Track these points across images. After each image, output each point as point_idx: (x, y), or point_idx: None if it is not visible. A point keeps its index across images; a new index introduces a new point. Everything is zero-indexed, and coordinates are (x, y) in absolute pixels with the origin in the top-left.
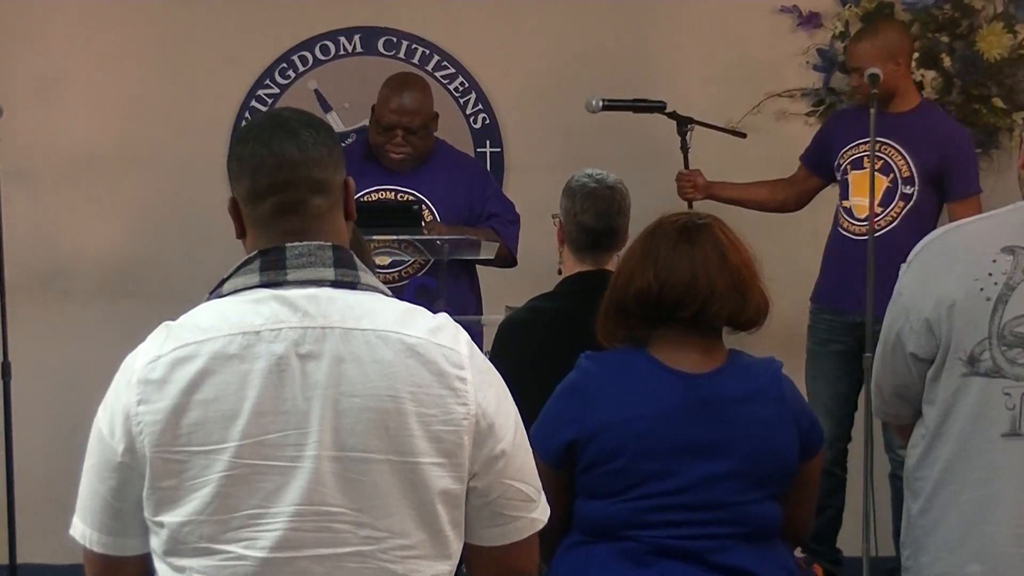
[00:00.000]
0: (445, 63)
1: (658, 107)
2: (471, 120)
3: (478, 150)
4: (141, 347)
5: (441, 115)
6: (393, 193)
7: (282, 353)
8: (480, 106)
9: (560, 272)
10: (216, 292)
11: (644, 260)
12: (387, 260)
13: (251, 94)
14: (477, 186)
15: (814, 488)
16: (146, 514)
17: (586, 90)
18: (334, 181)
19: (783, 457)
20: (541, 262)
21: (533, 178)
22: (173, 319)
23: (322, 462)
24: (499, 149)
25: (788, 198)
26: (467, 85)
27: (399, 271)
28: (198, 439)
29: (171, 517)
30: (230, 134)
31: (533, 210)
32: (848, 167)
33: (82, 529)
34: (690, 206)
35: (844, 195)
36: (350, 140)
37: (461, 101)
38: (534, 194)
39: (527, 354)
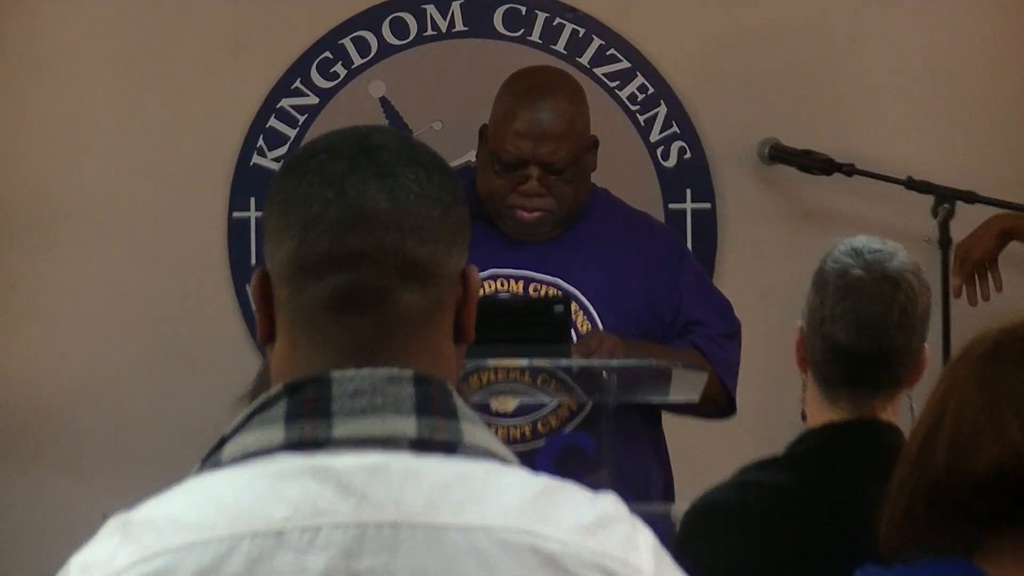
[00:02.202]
0: (614, 52)
1: (841, 169)
2: (659, 154)
3: (670, 206)
4: (76, 560)
5: (610, 145)
6: (522, 283)
7: (322, 570)
8: (675, 128)
9: (804, 416)
10: (212, 459)
11: (992, 409)
12: (511, 404)
13: (268, 105)
14: (666, 270)
15: None
16: None
17: (862, 100)
18: (445, 265)
19: None
20: (787, 408)
21: (768, 259)
22: (132, 507)
23: None
24: (708, 205)
25: None
26: (653, 92)
27: (531, 422)
28: None
29: None
30: (230, 177)
31: (765, 313)
32: None
33: None
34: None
35: None
36: None
37: (642, 120)
38: (771, 285)
39: (735, 563)
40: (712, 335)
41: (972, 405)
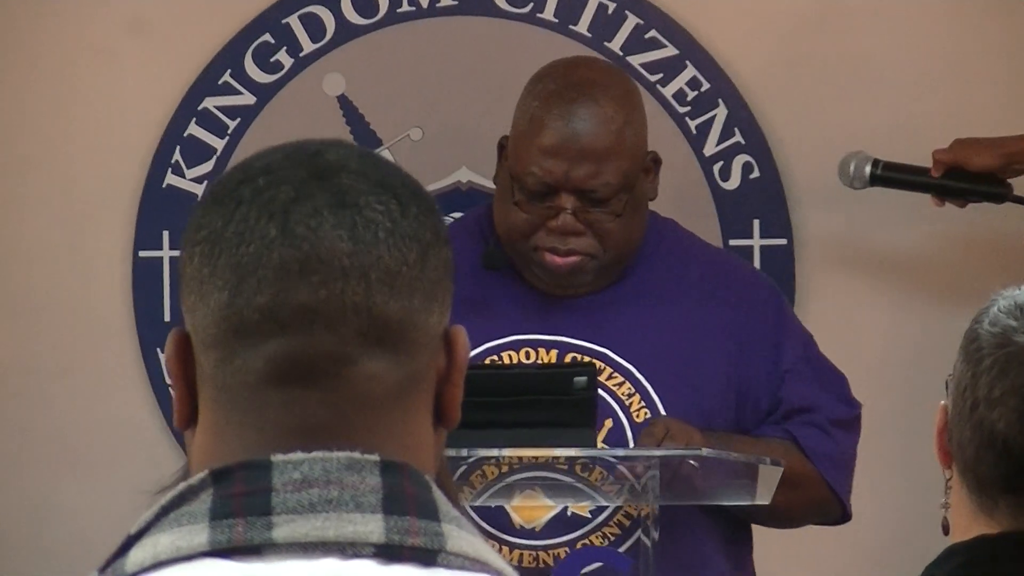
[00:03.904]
0: (655, 34)
1: (995, 195)
2: (716, 172)
3: (731, 242)
4: None
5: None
6: (555, 352)
7: None
8: (738, 136)
9: (946, 527)
10: (113, 568)
11: None
12: (544, 509)
13: (186, 107)
14: (762, 340)
15: None
16: None
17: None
18: (423, 325)
19: None
20: (894, 509)
21: (865, 314)
22: None
23: None
24: (784, 240)
25: None
26: (708, 88)
27: (568, 542)
28: None
29: None
30: (135, 204)
31: (861, 387)
32: None
33: None
34: None
35: None
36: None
37: (693, 126)
38: (867, 349)
39: None
40: (818, 421)
41: None
